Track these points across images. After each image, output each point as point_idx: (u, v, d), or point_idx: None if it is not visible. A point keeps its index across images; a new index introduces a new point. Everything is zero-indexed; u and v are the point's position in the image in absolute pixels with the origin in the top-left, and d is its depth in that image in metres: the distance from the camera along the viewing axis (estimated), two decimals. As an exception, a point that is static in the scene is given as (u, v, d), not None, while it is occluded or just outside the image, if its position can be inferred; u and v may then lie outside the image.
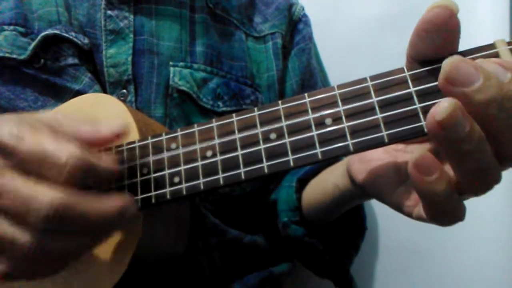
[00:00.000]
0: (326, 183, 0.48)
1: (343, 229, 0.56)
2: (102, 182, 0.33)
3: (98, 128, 0.34)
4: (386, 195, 0.35)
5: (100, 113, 0.42)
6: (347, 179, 0.42)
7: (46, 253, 0.31)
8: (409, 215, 0.33)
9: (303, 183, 0.54)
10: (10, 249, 0.30)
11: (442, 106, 0.24)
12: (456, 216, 0.29)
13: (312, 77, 0.65)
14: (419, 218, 0.32)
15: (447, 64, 0.25)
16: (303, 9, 0.67)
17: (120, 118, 0.40)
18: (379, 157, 0.37)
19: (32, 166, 0.30)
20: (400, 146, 0.37)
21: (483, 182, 0.28)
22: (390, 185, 0.34)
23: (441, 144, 0.26)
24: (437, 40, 0.28)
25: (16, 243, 0.30)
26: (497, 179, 0.28)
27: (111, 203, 0.32)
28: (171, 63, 0.52)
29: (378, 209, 0.67)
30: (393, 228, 0.66)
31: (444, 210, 0.29)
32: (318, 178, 0.53)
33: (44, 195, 0.29)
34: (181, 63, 0.53)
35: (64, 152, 0.30)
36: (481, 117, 0.25)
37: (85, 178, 0.31)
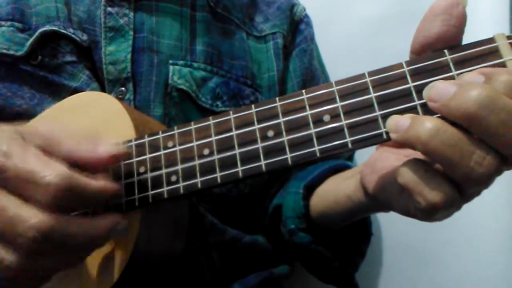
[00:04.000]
0: (337, 193, 0.47)
1: (348, 235, 0.55)
2: (93, 203, 0.33)
3: (95, 148, 0.34)
4: (393, 201, 0.34)
5: (97, 111, 0.41)
6: (361, 191, 0.41)
7: (30, 272, 0.31)
8: (414, 215, 0.32)
9: (309, 189, 0.52)
10: None
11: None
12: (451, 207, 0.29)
13: (313, 79, 0.64)
14: (416, 215, 0.32)
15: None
16: (304, 9, 0.67)
17: (117, 117, 0.40)
18: (389, 164, 0.36)
19: (18, 185, 0.30)
20: (411, 151, 0.35)
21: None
22: (397, 191, 0.33)
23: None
24: (442, 23, 0.29)
25: (1, 263, 0.30)
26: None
27: (98, 225, 0.32)
28: (170, 61, 0.52)
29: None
30: (395, 228, 0.65)
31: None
32: (327, 186, 0.51)
33: (31, 216, 0.29)
34: (181, 62, 0.52)
35: (49, 171, 0.29)
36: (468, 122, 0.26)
37: (72, 199, 0.31)
